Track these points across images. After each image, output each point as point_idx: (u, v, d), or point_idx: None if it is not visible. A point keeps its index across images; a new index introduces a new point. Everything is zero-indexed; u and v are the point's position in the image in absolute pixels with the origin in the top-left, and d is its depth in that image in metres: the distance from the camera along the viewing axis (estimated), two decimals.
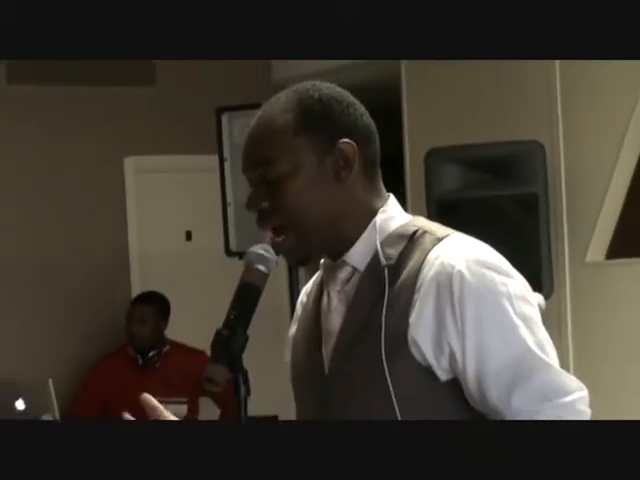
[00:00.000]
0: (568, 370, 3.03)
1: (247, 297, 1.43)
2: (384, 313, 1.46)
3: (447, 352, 1.42)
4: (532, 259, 3.82)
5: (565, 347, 4.12)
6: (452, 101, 4.61)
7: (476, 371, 1.41)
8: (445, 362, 1.42)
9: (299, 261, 1.62)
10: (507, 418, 1.44)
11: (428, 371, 1.42)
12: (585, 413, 1.45)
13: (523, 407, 1.42)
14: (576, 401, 1.44)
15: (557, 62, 4.22)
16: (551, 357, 1.46)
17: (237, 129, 3.92)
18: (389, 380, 1.44)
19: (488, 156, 4.02)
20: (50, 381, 3.90)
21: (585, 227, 4.08)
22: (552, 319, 4.00)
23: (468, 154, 4.09)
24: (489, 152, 4.02)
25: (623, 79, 4.07)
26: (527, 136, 3.93)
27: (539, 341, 1.45)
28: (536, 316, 1.48)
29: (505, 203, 3.94)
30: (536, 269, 3.82)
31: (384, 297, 1.47)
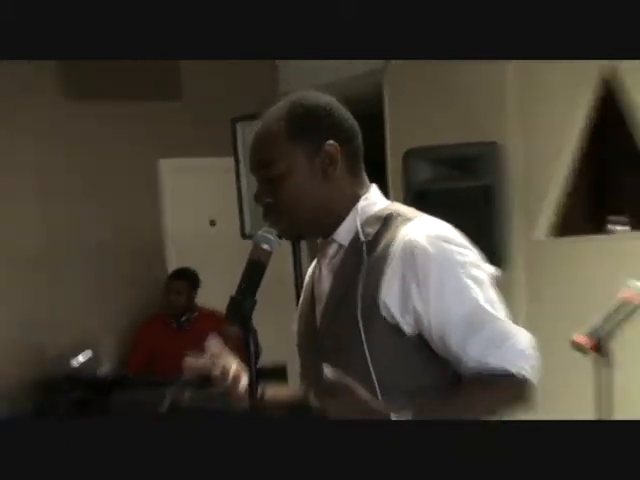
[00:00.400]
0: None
1: (254, 270, 1.59)
2: (361, 281, 1.62)
3: (412, 313, 1.58)
4: (489, 238, 4.17)
5: (517, 310, 4.47)
6: (425, 109, 5.03)
7: (438, 327, 1.58)
8: (411, 321, 1.59)
9: (294, 240, 2.04)
10: (464, 363, 1.59)
11: (396, 328, 1.59)
12: (529, 354, 1.62)
13: (476, 353, 1.58)
14: (520, 343, 1.61)
15: (509, 75, 4.59)
16: (499, 311, 1.62)
17: (248, 136, 4.16)
18: (363, 334, 1.61)
19: (454, 155, 4.42)
20: (104, 342, 4.91)
21: (531, 212, 4.49)
22: (505, 288, 4.68)
23: (438, 153, 4.48)
24: (455, 152, 4.42)
25: (563, 90, 4.47)
26: (484, 137, 4.36)
27: (489, 299, 1.61)
28: (487, 279, 1.65)
29: (467, 193, 4.33)
30: (492, 246, 4.10)
31: (362, 267, 1.63)
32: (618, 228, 4.34)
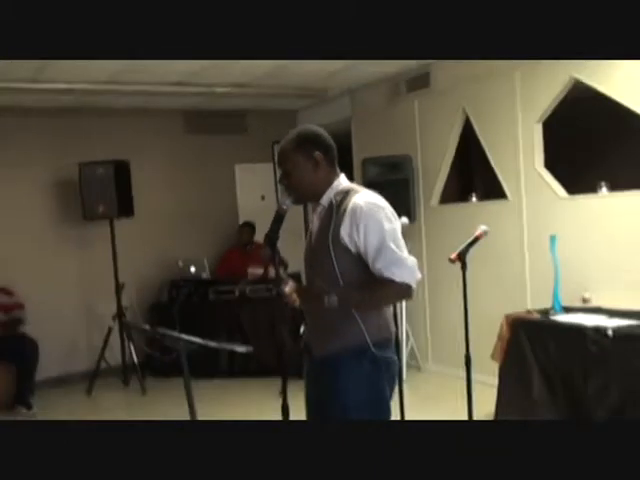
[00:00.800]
0: (422, 262, 5.74)
1: (278, 218, 2.23)
2: (332, 224, 2.26)
3: (354, 243, 2.21)
4: (406, 205, 5.83)
5: (420, 249, 6.16)
6: (373, 136, 6.63)
7: (365, 251, 2.20)
8: (354, 247, 2.22)
9: (300, 203, 2.39)
10: (375, 272, 2.20)
11: (348, 249, 2.23)
12: (410, 271, 2.22)
13: (380, 267, 2.20)
14: (406, 266, 2.21)
15: (415, 107, 5.96)
16: (401, 249, 2.22)
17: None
18: (332, 252, 2.25)
19: (388, 161, 6.10)
20: (205, 259, 6.87)
21: (428, 191, 6.15)
22: (415, 235, 6.04)
23: (380, 160, 6.12)
24: (388, 160, 6.10)
25: (443, 116, 5.81)
26: (405, 151, 6.11)
27: (394, 239, 2.21)
28: (398, 228, 2.25)
29: (395, 182, 5.91)
30: (407, 209, 5.75)
31: (332, 218, 2.27)
32: (473, 199, 5.85)
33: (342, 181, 2.36)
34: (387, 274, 2.20)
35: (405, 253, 2.22)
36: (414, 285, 2.25)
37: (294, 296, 2.30)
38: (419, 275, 2.26)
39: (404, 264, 2.21)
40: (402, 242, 2.24)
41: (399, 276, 2.20)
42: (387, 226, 2.20)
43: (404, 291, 2.24)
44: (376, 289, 2.25)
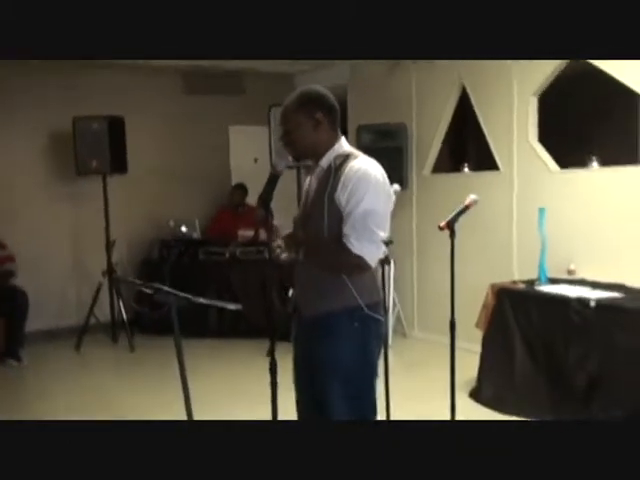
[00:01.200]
0: (411, 230, 5.77)
1: (272, 180, 2.27)
2: (329, 186, 2.29)
3: (344, 204, 2.25)
4: (399, 173, 5.94)
5: (410, 217, 6.31)
6: (369, 103, 6.63)
7: (343, 212, 2.25)
8: (343, 208, 2.25)
9: (299, 159, 2.39)
10: (345, 235, 2.23)
11: (340, 209, 2.27)
12: (369, 248, 2.23)
13: (346, 233, 2.25)
14: (369, 243, 2.22)
15: (412, 77, 5.99)
16: (375, 225, 2.22)
17: (276, 114, 5.10)
18: (325, 210, 2.29)
19: (383, 129, 6.19)
20: (196, 220, 6.87)
21: (421, 160, 6.22)
22: (406, 203, 6.13)
23: (375, 128, 6.20)
24: (383, 127, 6.20)
25: (440, 89, 5.88)
26: (400, 120, 6.16)
27: (372, 215, 2.23)
28: (382, 206, 2.25)
29: (390, 149, 5.98)
30: (400, 177, 5.84)
31: (330, 180, 2.30)
32: (465, 170, 6.04)
33: (343, 144, 2.39)
34: (346, 241, 2.24)
35: (379, 231, 2.24)
36: (370, 263, 2.26)
37: (282, 245, 2.37)
38: (380, 254, 2.28)
39: (369, 239, 2.23)
40: (382, 219, 2.26)
41: (358, 248, 2.23)
42: (371, 198, 2.22)
43: (355, 263, 2.26)
44: (331, 251, 2.30)
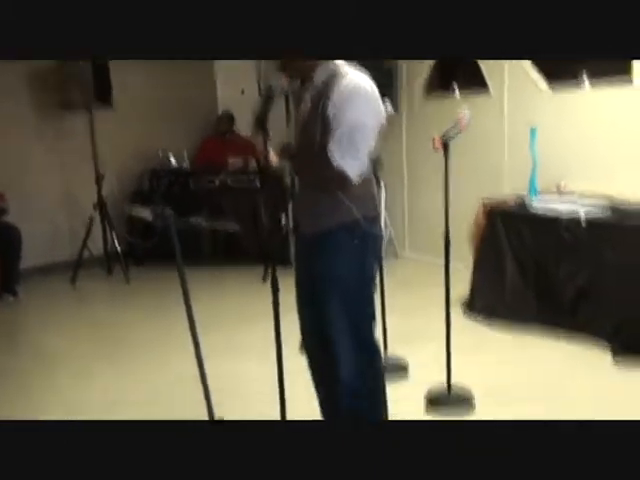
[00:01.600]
0: (401, 151, 6.09)
1: (267, 100, 2.30)
2: (322, 102, 2.34)
3: (331, 118, 2.29)
4: (389, 95, 4.72)
5: (400, 139, 6.36)
6: None
7: (330, 125, 2.30)
8: (331, 122, 2.30)
9: (296, 77, 2.43)
10: (329, 149, 2.27)
11: (329, 122, 2.31)
12: (352, 163, 2.29)
13: (331, 148, 2.29)
14: (352, 160, 2.29)
15: None
16: (359, 142, 2.28)
17: None
18: (319, 125, 2.32)
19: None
20: (185, 150, 6.82)
21: (412, 82, 6.25)
22: (396, 124, 6.24)
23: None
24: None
25: None
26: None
27: (360, 131, 2.27)
28: (371, 123, 2.29)
29: (379, 71, 4.31)
30: (391, 99, 4.18)
31: (323, 97, 2.34)
32: (455, 91, 5.95)
33: (338, 62, 2.42)
34: (330, 155, 2.29)
35: (365, 146, 2.28)
36: (352, 177, 2.31)
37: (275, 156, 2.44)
38: (360, 172, 2.33)
39: (353, 156, 2.28)
40: (370, 132, 2.28)
41: (340, 163, 2.28)
42: (360, 111, 2.26)
43: (337, 177, 2.31)
44: (315, 164, 2.35)
